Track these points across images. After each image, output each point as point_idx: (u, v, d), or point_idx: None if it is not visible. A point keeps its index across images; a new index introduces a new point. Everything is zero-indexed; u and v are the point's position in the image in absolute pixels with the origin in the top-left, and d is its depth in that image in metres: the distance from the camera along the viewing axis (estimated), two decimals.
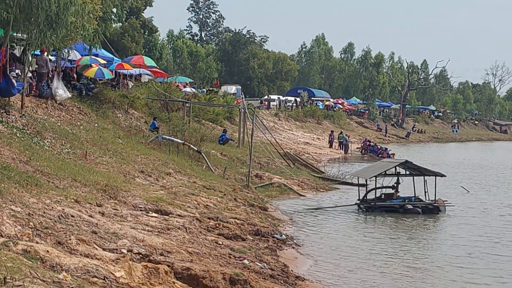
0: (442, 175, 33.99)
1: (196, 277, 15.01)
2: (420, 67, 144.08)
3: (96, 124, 34.11)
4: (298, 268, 20.00)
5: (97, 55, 43.44)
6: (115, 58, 49.31)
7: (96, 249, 14.95)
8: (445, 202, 33.41)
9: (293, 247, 23.14)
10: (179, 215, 22.11)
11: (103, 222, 17.76)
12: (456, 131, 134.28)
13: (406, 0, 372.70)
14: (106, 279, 12.88)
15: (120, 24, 68.19)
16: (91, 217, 17.80)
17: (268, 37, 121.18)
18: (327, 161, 60.67)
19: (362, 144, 75.76)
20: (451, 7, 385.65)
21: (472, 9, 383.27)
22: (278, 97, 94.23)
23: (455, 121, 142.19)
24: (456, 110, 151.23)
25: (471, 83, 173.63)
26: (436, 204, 32.60)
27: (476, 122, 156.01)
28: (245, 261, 18.31)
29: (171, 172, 30.19)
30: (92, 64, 41.15)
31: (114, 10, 40.52)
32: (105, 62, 44.81)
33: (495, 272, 20.98)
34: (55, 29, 26.11)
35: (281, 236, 24.11)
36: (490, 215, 32.89)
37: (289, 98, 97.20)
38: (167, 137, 37.19)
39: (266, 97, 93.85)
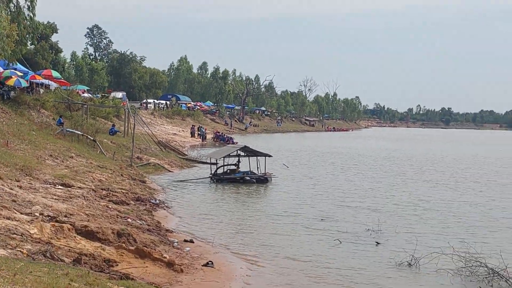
0: (270, 156, 34.69)
1: (92, 232, 14.71)
2: (254, 80, 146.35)
3: (15, 121, 32.61)
4: (168, 223, 19.93)
5: (15, 69, 41.61)
6: (29, 71, 47.31)
7: (15, 213, 14.39)
8: (271, 174, 34.12)
9: (164, 209, 23.04)
10: (79, 187, 21.58)
11: (20, 193, 17.10)
12: (280, 125, 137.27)
13: (247, 30, 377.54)
14: (23, 235, 12.44)
15: (33, 46, 65.66)
16: (11, 189, 17.10)
17: (145, 57, 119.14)
18: (189, 146, 60.66)
19: (214, 135, 76.18)
20: (275, 38, 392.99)
21: (291, 40, 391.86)
22: (153, 101, 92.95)
23: (279, 118, 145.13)
24: (280, 110, 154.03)
25: (290, 91, 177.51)
26: (265, 176, 33.26)
27: (293, 119, 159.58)
28: (129, 220, 18.10)
29: (73, 156, 29.30)
30: (12, 76, 39.42)
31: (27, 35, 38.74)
32: (22, 74, 42.91)
33: (301, 224, 21.59)
34: None
35: (155, 201, 23.97)
36: (302, 183, 33.82)
37: (162, 101, 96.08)
38: (70, 129, 36.08)
39: (144, 100, 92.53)
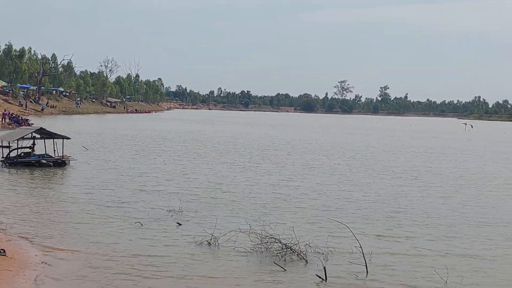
0: (68, 138, 33.78)
1: None
2: (51, 59, 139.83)
3: None
4: None
5: None
6: None
7: None
8: (70, 157, 33.13)
9: None
10: None
11: None
12: (79, 106, 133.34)
13: (43, 5, 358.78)
14: None
15: None
16: None
17: None
18: None
19: (1, 116, 72.07)
20: (73, 16, 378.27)
21: (92, 18, 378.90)
22: None
23: (78, 99, 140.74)
24: (79, 91, 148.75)
25: (90, 72, 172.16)
26: (63, 159, 32.23)
27: (94, 100, 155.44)
28: None
29: None
30: None
31: None
32: None
33: (101, 208, 21.22)
34: None
35: None
36: (102, 166, 33.15)
37: None
38: None
39: None
